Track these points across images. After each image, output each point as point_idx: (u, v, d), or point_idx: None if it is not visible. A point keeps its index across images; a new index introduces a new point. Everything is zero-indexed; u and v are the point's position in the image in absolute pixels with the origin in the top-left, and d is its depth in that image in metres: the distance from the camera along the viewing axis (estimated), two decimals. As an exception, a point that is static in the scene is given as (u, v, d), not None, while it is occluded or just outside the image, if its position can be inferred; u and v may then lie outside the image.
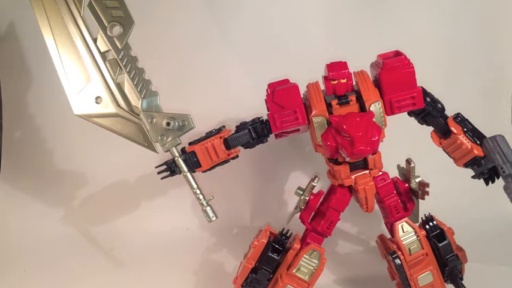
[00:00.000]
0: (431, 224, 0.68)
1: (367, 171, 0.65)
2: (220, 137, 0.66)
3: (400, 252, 0.66)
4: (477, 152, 0.65)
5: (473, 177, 0.69)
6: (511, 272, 0.80)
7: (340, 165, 0.64)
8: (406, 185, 0.70)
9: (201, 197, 0.64)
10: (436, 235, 0.67)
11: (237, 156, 0.68)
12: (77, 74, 0.61)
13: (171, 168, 0.66)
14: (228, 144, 0.66)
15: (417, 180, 0.69)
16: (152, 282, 0.86)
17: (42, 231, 1.03)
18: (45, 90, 1.02)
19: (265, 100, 0.65)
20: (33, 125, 1.04)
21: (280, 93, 0.64)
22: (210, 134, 0.67)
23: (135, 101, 0.63)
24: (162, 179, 0.67)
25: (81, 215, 1.05)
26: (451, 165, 0.70)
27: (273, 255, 0.66)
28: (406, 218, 0.68)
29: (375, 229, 0.90)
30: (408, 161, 0.69)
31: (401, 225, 0.67)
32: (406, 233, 0.67)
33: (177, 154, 0.64)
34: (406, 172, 0.70)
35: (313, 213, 0.70)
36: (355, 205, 0.70)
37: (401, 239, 0.66)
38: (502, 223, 0.97)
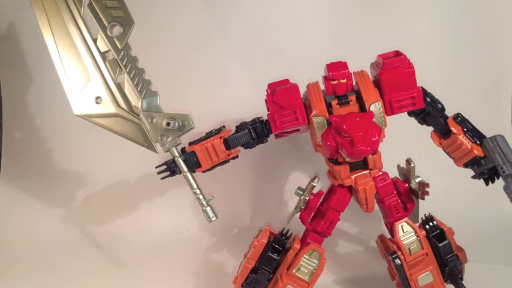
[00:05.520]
0: (431, 224, 0.68)
1: (367, 171, 0.65)
2: (220, 137, 0.66)
3: (400, 252, 0.66)
4: (477, 152, 0.65)
5: (473, 177, 0.69)
6: (511, 272, 0.80)
7: (340, 165, 0.64)
8: (406, 185, 0.70)
9: (201, 197, 0.64)
10: (436, 235, 0.67)
11: (237, 156, 0.68)
12: (77, 74, 0.61)
13: (171, 169, 0.66)
14: (228, 144, 0.66)
15: (417, 180, 0.69)
16: (152, 282, 0.86)
17: (42, 231, 1.03)
18: (45, 90, 1.02)
19: (265, 100, 0.65)
20: (33, 125, 1.04)
21: (280, 93, 0.64)
22: (210, 134, 0.67)
23: (135, 101, 0.63)
24: (162, 179, 0.67)
25: (81, 215, 1.05)
26: (451, 166, 0.70)
27: (273, 255, 0.66)
28: (406, 218, 0.68)
29: (375, 229, 0.90)
30: (408, 161, 0.69)
31: (401, 225, 0.67)
32: (406, 233, 0.67)
33: (177, 154, 0.64)
34: (406, 172, 0.70)
35: (313, 213, 0.70)
36: (355, 205, 0.70)
37: (401, 239, 0.66)
38: (502, 223, 0.97)
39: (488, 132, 0.67)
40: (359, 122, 0.57)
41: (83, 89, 0.62)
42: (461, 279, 0.68)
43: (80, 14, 0.60)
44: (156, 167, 0.66)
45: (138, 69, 0.62)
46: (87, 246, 1.00)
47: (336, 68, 0.63)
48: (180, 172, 0.65)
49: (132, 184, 1.05)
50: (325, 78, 0.64)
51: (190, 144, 0.67)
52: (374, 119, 0.60)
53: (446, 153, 0.70)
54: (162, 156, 0.65)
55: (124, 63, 0.61)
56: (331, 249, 0.92)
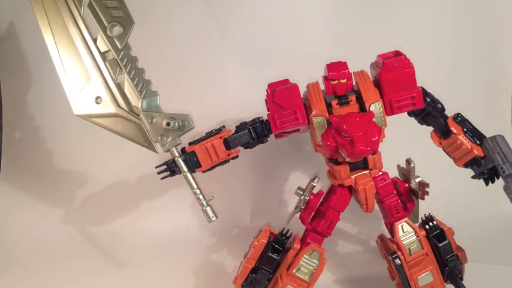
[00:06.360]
0: (431, 224, 0.68)
1: (367, 171, 0.65)
2: (220, 137, 0.66)
3: (400, 252, 0.66)
4: (477, 152, 0.65)
5: (473, 177, 0.69)
6: (511, 272, 0.80)
7: (340, 165, 0.64)
8: (406, 185, 0.70)
9: (201, 197, 0.64)
10: (436, 235, 0.67)
11: (237, 156, 0.68)
12: (77, 74, 0.61)
13: (171, 169, 0.66)
14: (228, 144, 0.66)
15: (417, 180, 0.69)
16: (152, 282, 0.86)
17: (42, 231, 1.03)
18: (45, 90, 1.02)
19: (265, 100, 0.65)
20: (33, 125, 1.04)
21: (280, 93, 0.64)
22: (210, 134, 0.67)
23: (135, 101, 0.63)
24: (162, 179, 0.67)
25: (81, 215, 1.05)
26: (451, 166, 0.70)
27: (273, 255, 0.66)
28: (406, 218, 0.68)
29: (375, 229, 0.90)
30: (408, 161, 0.69)
31: (401, 225, 0.67)
32: (406, 233, 0.67)
33: (177, 154, 0.64)
34: (406, 172, 0.70)
35: (313, 213, 0.70)
36: (355, 205, 0.70)
37: (401, 239, 0.66)
38: (502, 223, 0.97)
39: (488, 132, 0.67)
40: (359, 122, 0.57)
41: (82, 89, 0.62)
42: (461, 279, 0.68)
43: (80, 14, 0.60)
44: (156, 167, 0.66)
45: (138, 69, 0.62)
46: (87, 246, 1.00)
47: (336, 68, 0.63)
48: (180, 172, 0.65)
49: (132, 184, 1.05)
50: (325, 78, 0.64)
51: (190, 144, 0.67)
52: (374, 119, 0.60)
53: (446, 153, 0.70)
54: (162, 156, 0.65)
55: (124, 63, 0.61)
56: (331, 249, 0.92)
